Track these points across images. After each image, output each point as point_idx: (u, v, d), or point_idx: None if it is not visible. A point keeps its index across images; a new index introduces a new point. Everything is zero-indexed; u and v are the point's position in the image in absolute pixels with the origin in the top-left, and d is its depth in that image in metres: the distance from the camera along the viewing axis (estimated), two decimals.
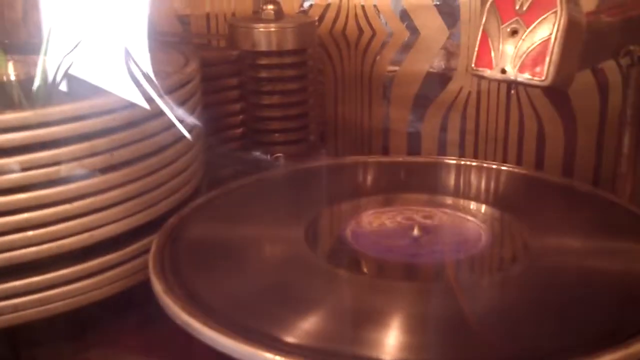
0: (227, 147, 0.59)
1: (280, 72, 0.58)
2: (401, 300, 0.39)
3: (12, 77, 0.50)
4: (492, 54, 0.44)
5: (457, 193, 0.51)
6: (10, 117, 0.41)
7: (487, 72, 0.44)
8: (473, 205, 0.49)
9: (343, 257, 0.44)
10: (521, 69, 0.43)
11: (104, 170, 0.44)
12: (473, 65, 0.45)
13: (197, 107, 0.53)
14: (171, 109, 0.48)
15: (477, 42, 0.45)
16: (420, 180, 0.53)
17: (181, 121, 0.49)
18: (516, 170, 0.55)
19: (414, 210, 0.49)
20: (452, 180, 0.54)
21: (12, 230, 0.42)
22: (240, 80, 0.59)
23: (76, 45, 0.47)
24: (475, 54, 0.45)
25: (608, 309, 0.38)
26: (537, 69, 0.42)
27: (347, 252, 0.44)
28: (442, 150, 0.66)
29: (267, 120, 0.59)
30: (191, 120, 0.51)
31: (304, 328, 0.36)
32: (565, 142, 0.62)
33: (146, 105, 0.45)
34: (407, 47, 0.66)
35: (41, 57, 0.47)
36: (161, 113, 0.47)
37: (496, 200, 0.51)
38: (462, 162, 0.55)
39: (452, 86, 0.65)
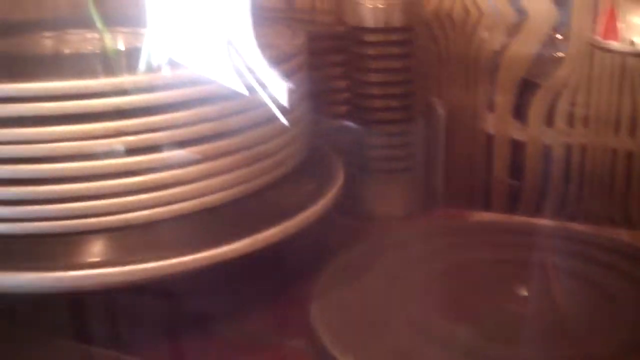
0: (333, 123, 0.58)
1: (386, 49, 0.57)
2: None
3: (114, 48, 0.51)
4: (620, 25, 0.42)
5: None
6: (128, 81, 0.41)
7: (614, 45, 0.42)
8: None
9: None
10: None
11: (213, 137, 0.44)
12: (599, 37, 0.43)
13: (304, 81, 0.52)
14: (279, 81, 0.47)
15: (604, 14, 0.43)
16: None
17: (290, 94, 0.49)
18: None
19: None
20: None
21: (127, 192, 0.42)
22: (345, 57, 0.59)
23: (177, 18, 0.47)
24: (601, 26, 0.43)
25: None
26: None
27: None
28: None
29: (371, 99, 0.58)
30: (298, 93, 0.51)
31: None
32: None
33: (254, 76, 0.45)
34: (514, 29, 0.64)
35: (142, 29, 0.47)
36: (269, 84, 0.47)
37: None
38: None
39: (562, 71, 0.62)
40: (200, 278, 0.42)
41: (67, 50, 0.54)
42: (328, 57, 0.58)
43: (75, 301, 0.44)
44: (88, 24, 0.52)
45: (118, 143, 0.41)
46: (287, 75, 0.48)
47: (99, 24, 0.51)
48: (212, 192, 0.44)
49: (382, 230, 0.59)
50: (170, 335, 0.45)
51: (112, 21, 0.54)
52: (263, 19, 0.56)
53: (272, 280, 0.51)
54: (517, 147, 0.65)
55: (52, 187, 0.41)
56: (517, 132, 0.65)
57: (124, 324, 0.46)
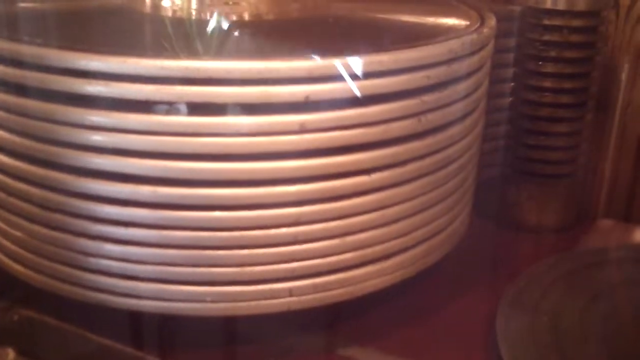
0: (492, 118, 0.50)
1: (565, 36, 0.49)
2: None
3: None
4: None
5: None
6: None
7: None
8: None
9: None
10: None
11: (407, 138, 0.36)
12: None
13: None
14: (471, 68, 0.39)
15: None
16: None
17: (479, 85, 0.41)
18: None
19: None
20: None
21: (296, 203, 0.34)
22: (516, 42, 0.50)
23: None
24: None
25: None
26: None
27: None
28: None
29: (541, 92, 0.50)
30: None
31: None
32: None
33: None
34: None
35: None
36: (470, 74, 0.39)
37: None
38: None
39: None
40: None
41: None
42: (498, 41, 0.50)
43: None
44: None
45: None
46: (480, 64, 0.41)
47: None
48: None
49: (545, 245, 0.51)
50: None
51: None
52: None
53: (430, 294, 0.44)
54: None
55: None
56: None
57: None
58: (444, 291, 0.44)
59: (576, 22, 0.49)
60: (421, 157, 0.37)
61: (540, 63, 0.50)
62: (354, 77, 0.33)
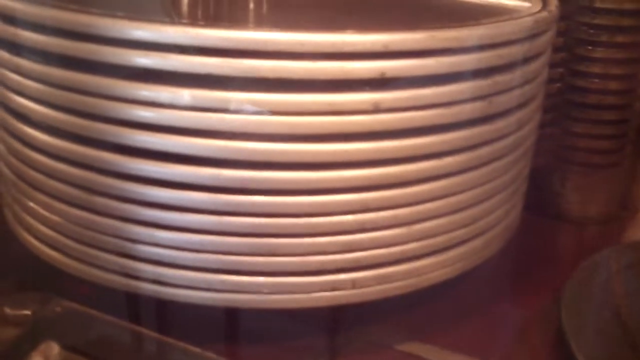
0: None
1: (614, 36, 0.47)
2: None
3: None
4: None
5: None
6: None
7: None
8: None
9: None
10: None
11: (478, 121, 0.34)
12: None
13: None
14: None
15: None
16: None
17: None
18: None
19: None
20: None
21: (364, 188, 0.32)
22: (564, 41, 0.48)
23: None
24: None
25: None
26: None
27: None
28: None
29: (589, 77, 0.48)
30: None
31: None
32: None
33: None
34: None
35: None
36: (539, 54, 0.37)
37: None
38: None
39: None
40: None
41: None
42: None
43: None
44: None
45: None
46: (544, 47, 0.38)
47: None
48: None
49: (591, 236, 0.49)
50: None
51: None
52: None
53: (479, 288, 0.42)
54: None
55: None
56: None
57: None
58: (493, 285, 0.43)
59: (628, 5, 0.47)
60: (491, 141, 0.35)
61: (589, 48, 0.48)
62: (430, 53, 0.31)
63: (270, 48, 0.29)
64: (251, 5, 0.39)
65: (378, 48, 0.30)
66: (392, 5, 0.40)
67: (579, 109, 0.49)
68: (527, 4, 0.39)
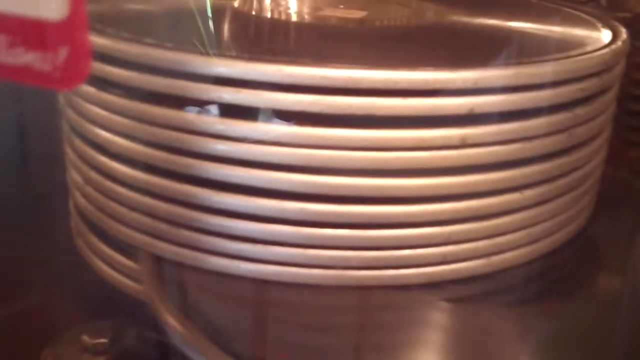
0: None
1: None
2: None
3: None
4: None
5: None
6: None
7: None
8: None
9: None
10: None
11: (557, 154, 0.34)
12: None
13: None
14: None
15: None
16: None
17: None
18: None
19: None
20: None
21: (447, 222, 0.32)
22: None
23: None
24: None
25: None
26: None
27: None
28: None
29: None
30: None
31: None
32: None
33: None
34: None
35: None
36: (612, 85, 0.37)
37: None
38: None
39: None
40: None
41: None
42: None
43: None
44: None
45: None
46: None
47: None
48: None
49: None
50: None
51: None
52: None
53: None
54: None
55: None
56: None
57: None
58: None
59: None
60: (568, 172, 0.35)
61: None
62: (516, 89, 0.31)
63: (364, 86, 0.29)
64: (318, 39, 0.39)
65: (469, 85, 0.30)
66: (468, 38, 0.40)
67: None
68: (596, 34, 0.39)
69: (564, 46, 0.36)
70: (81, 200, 0.38)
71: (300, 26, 0.41)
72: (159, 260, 0.34)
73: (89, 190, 0.36)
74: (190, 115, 0.31)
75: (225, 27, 0.41)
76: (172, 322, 0.30)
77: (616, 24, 0.42)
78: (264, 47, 0.37)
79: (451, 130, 0.30)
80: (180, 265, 0.33)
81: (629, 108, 0.49)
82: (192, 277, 0.34)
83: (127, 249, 0.36)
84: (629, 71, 0.48)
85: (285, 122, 0.30)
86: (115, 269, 0.37)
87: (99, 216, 0.36)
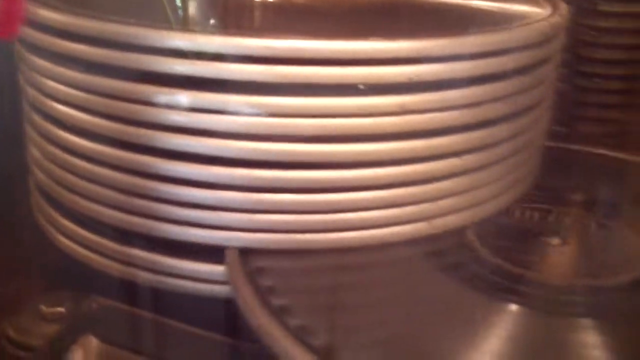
0: None
1: (621, 22, 0.49)
2: None
3: None
4: None
5: None
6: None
7: None
8: None
9: None
10: None
11: (495, 121, 0.36)
12: None
13: None
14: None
15: None
16: None
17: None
18: None
19: None
20: None
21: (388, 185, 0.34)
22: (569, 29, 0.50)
23: None
24: None
25: None
26: None
27: None
28: None
29: (598, 79, 0.50)
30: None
31: None
32: None
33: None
34: None
35: None
36: (549, 58, 0.39)
37: None
38: None
39: None
40: None
41: None
42: None
43: None
44: None
45: None
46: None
47: None
48: None
49: None
50: None
51: None
52: None
53: None
54: None
55: None
56: None
57: None
58: None
59: (634, 8, 0.49)
60: (507, 139, 0.36)
61: (596, 50, 0.50)
62: (455, 58, 0.33)
63: (307, 56, 0.31)
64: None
65: (408, 54, 0.31)
66: (413, 14, 0.42)
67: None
68: (538, 10, 0.41)
69: (507, 20, 0.38)
70: (41, 176, 0.39)
71: (264, 4, 0.42)
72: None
73: (48, 164, 0.37)
74: (143, 87, 0.33)
75: (194, 5, 0.42)
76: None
77: (559, 1, 0.44)
78: (228, 23, 0.38)
79: (391, 97, 0.32)
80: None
81: (577, 84, 0.51)
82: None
83: (86, 221, 0.37)
84: (576, 49, 0.50)
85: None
86: (75, 242, 0.38)
87: (58, 190, 0.37)
